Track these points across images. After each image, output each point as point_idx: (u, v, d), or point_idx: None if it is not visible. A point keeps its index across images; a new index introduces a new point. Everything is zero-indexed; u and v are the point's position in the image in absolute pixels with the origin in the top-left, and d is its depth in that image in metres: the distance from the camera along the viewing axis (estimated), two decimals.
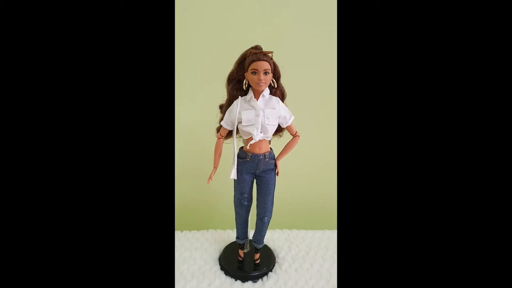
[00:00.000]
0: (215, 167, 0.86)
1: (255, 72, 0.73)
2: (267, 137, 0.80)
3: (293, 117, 0.82)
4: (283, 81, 0.82)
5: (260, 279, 0.88)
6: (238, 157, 0.83)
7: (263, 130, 0.78)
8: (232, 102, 0.80)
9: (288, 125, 0.83)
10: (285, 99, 0.84)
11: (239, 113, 0.78)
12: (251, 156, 0.81)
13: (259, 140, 0.79)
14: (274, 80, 0.79)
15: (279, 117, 0.80)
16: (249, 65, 0.74)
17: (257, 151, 0.81)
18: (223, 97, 0.83)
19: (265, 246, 1.00)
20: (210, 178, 0.84)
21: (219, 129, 0.84)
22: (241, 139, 0.85)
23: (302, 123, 0.87)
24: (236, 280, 0.87)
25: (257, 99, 0.78)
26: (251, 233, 0.97)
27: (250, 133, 0.78)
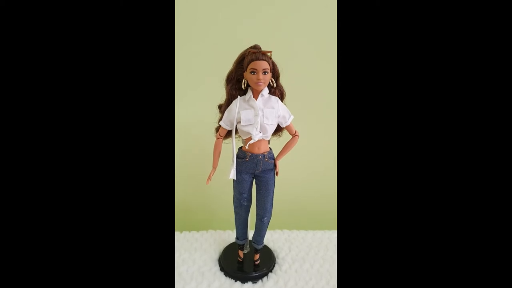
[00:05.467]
0: (214, 167, 0.85)
1: (254, 71, 0.73)
2: (266, 136, 0.80)
3: (292, 117, 0.82)
4: (282, 80, 0.81)
5: (260, 280, 0.88)
6: (237, 157, 0.83)
7: (262, 130, 0.77)
8: (231, 102, 0.80)
9: (287, 124, 0.82)
10: (284, 99, 0.83)
11: (238, 112, 0.77)
12: (250, 156, 0.81)
13: (258, 140, 0.78)
14: (273, 80, 0.78)
15: (278, 117, 0.80)
16: (248, 65, 0.73)
17: (256, 151, 0.80)
18: (222, 97, 0.83)
19: (265, 246, 0.99)
20: (209, 178, 0.84)
21: (218, 129, 0.84)
22: (240, 139, 0.84)
23: (302, 123, 0.87)
24: (235, 281, 0.87)
25: (256, 99, 0.77)
26: (251, 234, 0.96)
27: (249, 133, 0.77)
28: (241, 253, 0.95)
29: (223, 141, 0.85)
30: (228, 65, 0.79)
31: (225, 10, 1.10)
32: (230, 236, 1.08)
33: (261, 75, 0.73)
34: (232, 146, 0.80)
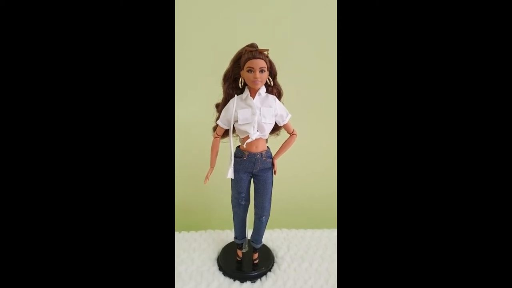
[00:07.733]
0: (212, 167, 0.85)
1: (251, 70, 0.73)
2: (264, 135, 0.80)
3: (290, 115, 0.82)
4: (282, 79, 0.81)
5: (259, 279, 0.88)
6: (235, 156, 0.82)
7: (260, 128, 0.77)
8: (228, 101, 0.79)
9: (285, 123, 0.82)
10: (282, 97, 0.83)
11: (235, 111, 0.77)
12: (248, 155, 0.80)
13: (255, 139, 0.78)
14: (270, 78, 0.78)
15: (275, 116, 0.79)
16: (244, 63, 0.73)
17: (254, 150, 0.80)
18: (220, 96, 0.82)
19: (264, 245, 0.99)
20: (207, 178, 0.84)
21: (215, 128, 0.84)
22: (238, 138, 0.84)
23: (302, 122, 0.87)
24: (234, 280, 0.86)
25: (253, 98, 0.77)
26: (249, 233, 0.96)
27: (246, 132, 0.77)
28: (239, 253, 0.95)
29: (221, 140, 0.85)
30: (226, 65, 0.79)
31: (226, 10, 1.10)
32: (229, 236, 1.08)
33: (258, 74, 0.73)
34: (229, 145, 0.80)
